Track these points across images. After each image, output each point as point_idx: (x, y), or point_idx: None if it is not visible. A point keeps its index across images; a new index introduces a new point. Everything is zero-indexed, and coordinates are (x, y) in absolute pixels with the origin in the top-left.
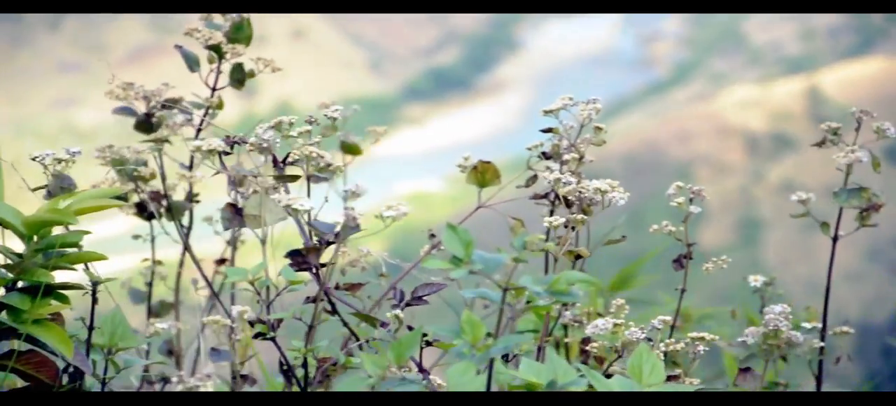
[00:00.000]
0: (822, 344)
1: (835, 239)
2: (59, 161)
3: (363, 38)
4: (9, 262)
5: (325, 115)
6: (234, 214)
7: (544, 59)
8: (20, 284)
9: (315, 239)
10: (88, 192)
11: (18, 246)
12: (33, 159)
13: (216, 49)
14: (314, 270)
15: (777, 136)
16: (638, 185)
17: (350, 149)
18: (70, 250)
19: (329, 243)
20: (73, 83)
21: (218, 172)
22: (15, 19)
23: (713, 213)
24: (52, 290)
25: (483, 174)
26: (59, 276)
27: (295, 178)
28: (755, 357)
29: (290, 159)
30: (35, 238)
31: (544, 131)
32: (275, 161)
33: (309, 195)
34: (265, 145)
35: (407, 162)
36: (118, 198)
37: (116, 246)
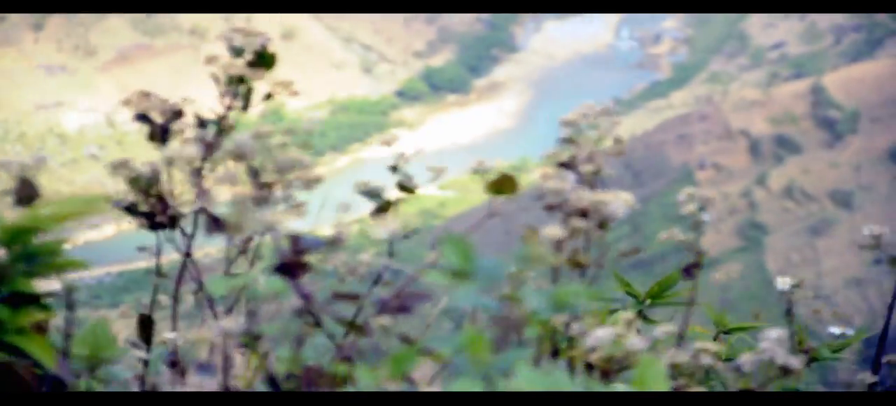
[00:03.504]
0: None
1: None
2: (26, 167)
3: (356, 39)
4: None
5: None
6: (213, 223)
7: (542, 60)
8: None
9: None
10: (72, 198)
11: None
12: None
13: (240, 80)
14: (297, 284)
15: (781, 138)
16: (637, 188)
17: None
18: (50, 258)
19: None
20: (58, 85)
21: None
22: None
23: (715, 216)
24: (35, 299)
25: (500, 186)
26: (39, 285)
27: (275, 187)
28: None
29: (269, 169)
30: (15, 246)
31: (563, 141)
32: (253, 172)
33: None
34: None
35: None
36: (128, 208)
37: (101, 254)
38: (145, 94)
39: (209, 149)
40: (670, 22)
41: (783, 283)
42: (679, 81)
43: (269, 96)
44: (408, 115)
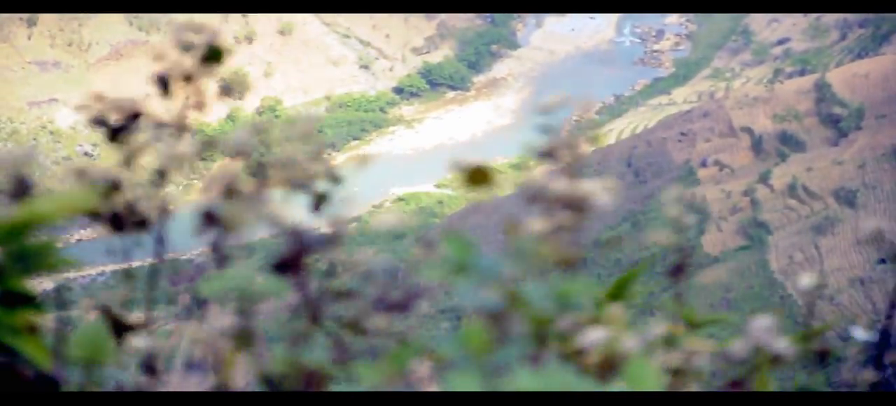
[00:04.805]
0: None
1: None
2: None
3: (354, 35)
4: None
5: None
6: (209, 221)
7: (543, 56)
8: None
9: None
10: (63, 194)
11: None
12: None
13: (188, 78)
14: (297, 280)
15: (784, 135)
16: (639, 186)
17: None
18: (44, 257)
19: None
20: (51, 81)
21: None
22: None
23: (716, 214)
24: (30, 299)
25: (474, 179)
26: (32, 285)
27: (276, 183)
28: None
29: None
30: (9, 245)
31: (539, 130)
32: (255, 167)
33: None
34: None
35: (401, 162)
36: (92, 215)
37: (94, 252)
38: (99, 97)
39: (170, 150)
40: (673, 17)
41: (806, 282)
42: (681, 78)
43: (223, 94)
44: (407, 112)
